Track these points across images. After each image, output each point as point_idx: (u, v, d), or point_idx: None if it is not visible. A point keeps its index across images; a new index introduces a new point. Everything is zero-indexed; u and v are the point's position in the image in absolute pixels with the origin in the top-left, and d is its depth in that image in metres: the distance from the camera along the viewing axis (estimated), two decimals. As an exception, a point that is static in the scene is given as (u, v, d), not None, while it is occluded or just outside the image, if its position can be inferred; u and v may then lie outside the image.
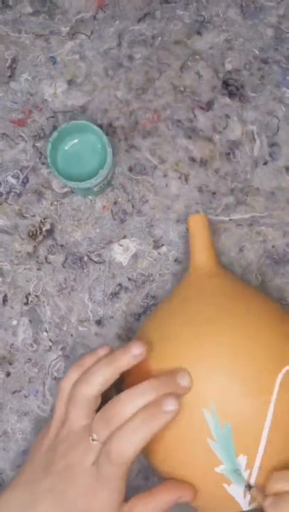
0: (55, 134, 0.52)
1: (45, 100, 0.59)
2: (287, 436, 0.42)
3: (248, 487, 0.41)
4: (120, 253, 0.57)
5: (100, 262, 0.57)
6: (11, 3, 0.60)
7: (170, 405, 0.41)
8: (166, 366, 0.43)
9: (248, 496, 0.42)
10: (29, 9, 0.60)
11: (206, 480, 0.42)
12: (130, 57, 0.59)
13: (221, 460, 0.41)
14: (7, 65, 0.59)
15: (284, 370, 0.42)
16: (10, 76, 0.59)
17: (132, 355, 0.43)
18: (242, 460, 0.41)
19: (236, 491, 0.42)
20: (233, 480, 0.41)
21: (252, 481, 0.41)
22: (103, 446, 0.42)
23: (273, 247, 0.57)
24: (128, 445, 0.40)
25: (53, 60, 0.59)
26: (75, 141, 0.54)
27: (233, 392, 0.41)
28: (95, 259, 0.57)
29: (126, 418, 0.41)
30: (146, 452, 0.45)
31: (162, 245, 0.57)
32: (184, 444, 0.42)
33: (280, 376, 0.42)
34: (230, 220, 0.57)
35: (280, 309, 0.47)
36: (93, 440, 0.43)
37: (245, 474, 0.41)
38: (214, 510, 0.44)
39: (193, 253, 0.51)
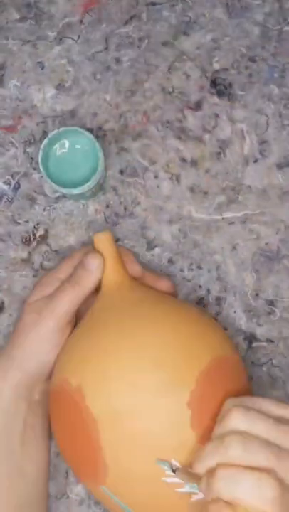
0: (45, 141, 0.52)
1: (35, 106, 0.59)
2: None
3: (172, 470, 0.41)
4: (114, 256, 0.57)
5: (94, 266, 0.57)
6: (-4, 10, 0.60)
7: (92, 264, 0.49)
8: (90, 384, 0.43)
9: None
10: (16, 15, 0.60)
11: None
12: (118, 60, 0.59)
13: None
14: (-5, 71, 0.59)
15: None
16: (-2, 83, 0.59)
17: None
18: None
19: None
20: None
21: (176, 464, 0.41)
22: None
23: (266, 244, 0.57)
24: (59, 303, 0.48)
25: (40, 66, 0.59)
26: (66, 146, 0.54)
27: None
28: (89, 263, 0.57)
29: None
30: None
31: (155, 247, 0.57)
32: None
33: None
34: (222, 218, 0.57)
35: (196, 312, 0.48)
36: None
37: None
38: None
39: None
